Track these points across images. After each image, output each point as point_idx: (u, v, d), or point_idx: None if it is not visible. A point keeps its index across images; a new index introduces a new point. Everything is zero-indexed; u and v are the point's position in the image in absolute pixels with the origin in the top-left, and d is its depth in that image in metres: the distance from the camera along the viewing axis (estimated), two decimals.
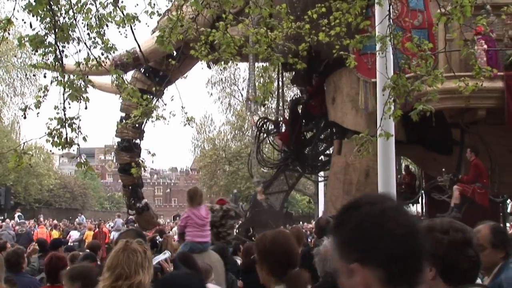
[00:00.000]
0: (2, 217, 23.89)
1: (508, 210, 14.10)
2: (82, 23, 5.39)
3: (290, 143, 14.74)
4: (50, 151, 31.28)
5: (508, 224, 14.35)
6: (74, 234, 21.44)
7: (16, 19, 5.36)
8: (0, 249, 5.91)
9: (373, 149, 11.93)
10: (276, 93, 16.05)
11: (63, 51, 5.25)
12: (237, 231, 15.62)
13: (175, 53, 11.85)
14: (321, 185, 22.88)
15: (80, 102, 5.34)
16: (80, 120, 5.39)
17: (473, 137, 11.07)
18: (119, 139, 13.41)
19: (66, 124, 5.33)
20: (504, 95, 10.13)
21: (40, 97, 5.38)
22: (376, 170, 11.99)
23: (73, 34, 5.23)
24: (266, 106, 16.47)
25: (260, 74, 17.94)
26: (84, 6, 5.31)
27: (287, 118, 15.32)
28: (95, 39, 5.54)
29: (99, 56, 5.65)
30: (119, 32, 5.74)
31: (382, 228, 1.34)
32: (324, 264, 3.21)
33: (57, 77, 5.30)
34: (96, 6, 5.34)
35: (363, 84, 11.72)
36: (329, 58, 11.77)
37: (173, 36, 5.74)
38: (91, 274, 3.48)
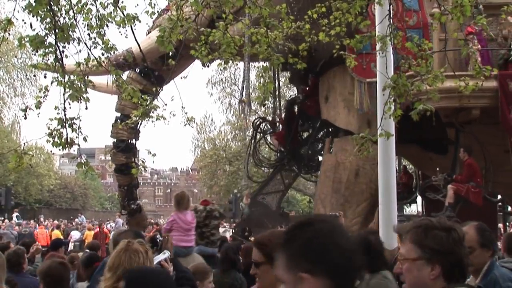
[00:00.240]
0: (2, 218, 23.88)
1: (510, 209, 14.11)
2: (83, 23, 5.40)
3: (286, 143, 14.75)
4: (51, 151, 31.30)
5: (508, 224, 14.35)
6: (75, 234, 21.46)
7: (17, 19, 5.37)
8: (3, 250, 5.91)
9: None
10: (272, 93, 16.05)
11: (63, 51, 5.25)
12: (233, 231, 15.63)
13: (170, 53, 11.88)
14: None
15: (81, 102, 5.34)
16: (80, 120, 5.40)
17: (468, 137, 11.12)
18: (114, 140, 13.34)
19: (67, 125, 5.33)
20: (497, 94, 10.16)
21: (41, 97, 5.38)
22: (367, 170, 12.15)
23: (73, 35, 5.23)
24: (266, 106, 16.41)
25: (260, 74, 17.95)
26: (84, 6, 5.31)
27: (283, 118, 15.35)
28: (95, 40, 5.54)
29: (99, 57, 5.65)
30: (120, 32, 5.74)
31: (332, 243, 1.51)
32: None
33: (58, 77, 5.30)
34: (96, 6, 5.34)
35: (358, 84, 11.76)
36: (324, 57, 11.80)
37: (173, 36, 5.74)
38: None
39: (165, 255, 3.48)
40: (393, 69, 6.67)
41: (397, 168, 13.13)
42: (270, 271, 2.64)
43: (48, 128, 5.33)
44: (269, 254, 2.64)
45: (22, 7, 5.00)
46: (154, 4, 5.84)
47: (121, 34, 5.80)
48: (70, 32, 5.16)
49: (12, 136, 36.28)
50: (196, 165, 54.02)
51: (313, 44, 8.68)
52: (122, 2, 5.46)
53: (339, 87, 12.38)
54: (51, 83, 5.38)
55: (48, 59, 5.30)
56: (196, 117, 7.97)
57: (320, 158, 15.66)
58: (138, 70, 12.93)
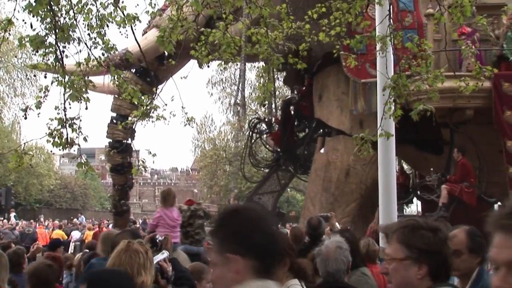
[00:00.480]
0: (2, 217, 23.89)
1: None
2: (83, 23, 5.40)
3: (282, 143, 14.75)
4: (51, 151, 31.29)
5: None
6: (76, 234, 21.45)
7: (17, 19, 5.37)
8: (5, 249, 5.92)
9: (353, 148, 12.03)
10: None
11: (63, 51, 5.26)
12: None
13: (166, 53, 11.90)
14: None
15: (81, 102, 5.34)
16: (80, 120, 5.40)
17: (463, 137, 11.15)
18: (110, 140, 13.31)
19: (67, 125, 5.33)
20: (491, 94, 10.18)
21: (41, 97, 5.38)
22: (357, 170, 12.17)
23: (73, 35, 5.23)
24: (265, 106, 16.41)
25: (260, 74, 17.95)
26: (84, 6, 5.31)
27: (279, 118, 15.34)
28: (95, 40, 5.54)
29: (99, 57, 5.65)
30: (120, 32, 5.74)
31: (258, 228, 1.69)
32: (327, 264, 3.21)
33: (58, 77, 5.30)
34: (96, 7, 5.34)
35: (353, 84, 11.77)
36: (320, 57, 11.81)
37: (173, 36, 5.75)
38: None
39: (163, 255, 3.48)
40: (393, 69, 6.67)
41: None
42: (278, 269, 2.66)
43: (48, 128, 5.34)
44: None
45: (22, 7, 5.00)
46: (155, 4, 5.85)
47: (122, 34, 5.81)
48: (70, 32, 5.16)
49: (12, 136, 36.28)
50: (196, 165, 53.99)
51: (314, 44, 8.69)
52: (123, 2, 5.46)
53: (332, 87, 12.41)
54: (51, 83, 5.39)
55: (49, 59, 5.30)
56: (196, 117, 7.98)
57: None
58: (134, 70, 12.90)
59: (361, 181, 12.16)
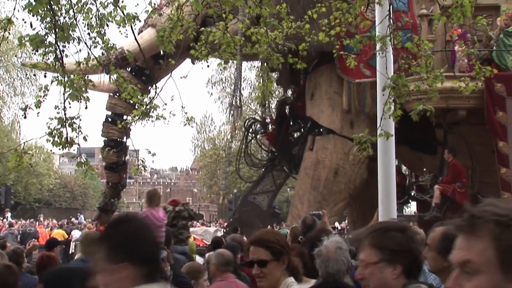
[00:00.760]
0: (2, 217, 23.88)
1: None
2: (83, 22, 5.40)
3: (276, 143, 14.76)
4: (51, 150, 31.34)
5: None
6: (76, 234, 21.44)
7: (17, 18, 5.37)
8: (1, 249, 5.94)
9: (343, 148, 12.08)
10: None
11: (63, 50, 5.26)
12: (225, 230, 15.63)
13: (161, 52, 11.93)
14: None
15: (81, 101, 5.34)
16: (80, 119, 5.40)
17: (456, 137, 11.17)
18: (105, 139, 13.31)
19: (67, 124, 5.33)
20: (483, 95, 10.19)
21: (41, 96, 5.38)
22: (346, 170, 12.20)
23: (73, 34, 5.23)
24: (265, 106, 16.41)
25: (260, 74, 17.93)
26: (84, 5, 5.31)
27: (275, 118, 15.35)
28: (95, 39, 5.54)
29: (99, 56, 5.65)
30: (120, 31, 5.74)
31: (144, 237, 1.82)
32: (327, 265, 3.21)
33: (58, 76, 5.30)
34: (96, 6, 5.34)
35: (347, 84, 11.78)
36: (315, 57, 11.81)
37: (173, 35, 5.75)
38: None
39: (162, 254, 3.48)
40: (393, 69, 6.67)
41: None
42: (278, 268, 2.67)
43: (48, 127, 5.34)
44: (278, 252, 2.68)
45: (22, 6, 5.00)
46: (154, 4, 5.84)
47: (121, 34, 5.81)
48: (70, 32, 5.16)
49: (12, 135, 36.27)
50: (196, 165, 54.07)
51: (313, 43, 8.68)
52: (122, 1, 5.46)
53: (325, 86, 12.43)
54: (51, 82, 5.39)
55: (48, 59, 5.30)
56: (196, 117, 7.98)
57: None
58: (129, 69, 12.89)
59: (349, 180, 12.19)
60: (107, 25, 5.48)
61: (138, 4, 6.11)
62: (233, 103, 14.44)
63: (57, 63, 5.25)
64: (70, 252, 17.43)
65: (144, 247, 1.79)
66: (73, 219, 28.44)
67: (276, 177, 15.38)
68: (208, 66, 7.96)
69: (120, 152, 13.02)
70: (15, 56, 31.15)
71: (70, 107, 5.34)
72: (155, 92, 6.33)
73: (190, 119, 7.04)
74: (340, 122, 12.11)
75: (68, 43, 5.23)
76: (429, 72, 6.25)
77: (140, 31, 12.32)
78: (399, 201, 13.64)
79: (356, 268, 2.36)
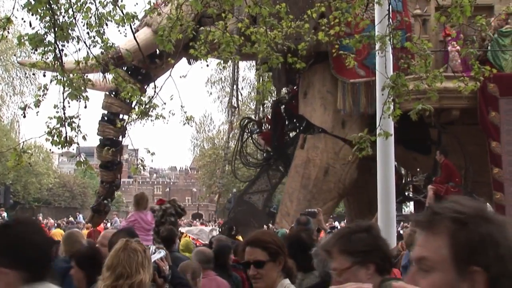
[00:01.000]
0: (1, 217, 23.86)
1: None
2: (82, 22, 5.40)
3: (272, 142, 14.76)
4: (50, 150, 31.24)
5: None
6: None
7: (16, 18, 5.37)
8: None
9: (333, 147, 12.11)
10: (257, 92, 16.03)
11: (62, 50, 5.25)
12: (220, 230, 15.63)
13: (157, 52, 11.93)
14: None
15: (80, 101, 5.34)
16: (79, 119, 5.40)
17: (450, 137, 11.18)
18: (101, 138, 13.29)
19: (66, 123, 5.33)
20: (477, 95, 10.20)
21: (40, 96, 5.38)
22: (336, 169, 12.21)
23: (72, 33, 5.23)
24: (264, 105, 16.40)
25: (260, 74, 17.91)
26: (83, 5, 5.31)
27: (270, 118, 15.35)
28: (94, 38, 5.54)
29: (98, 55, 5.65)
30: (119, 31, 5.74)
31: (28, 241, 1.83)
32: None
33: (57, 76, 5.30)
34: (95, 5, 5.34)
35: (341, 84, 11.79)
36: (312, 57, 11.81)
37: (172, 35, 5.74)
38: None
39: (160, 254, 3.48)
40: (392, 69, 6.67)
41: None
42: (275, 269, 2.65)
43: (47, 126, 5.33)
44: (275, 253, 2.66)
45: (21, 5, 5.00)
46: (153, 3, 5.84)
47: (121, 33, 5.81)
48: (69, 31, 5.16)
49: (11, 134, 36.21)
50: (195, 164, 54.02)
51: (312, 43, 8.69)
52: (122, 0, 5.46)
53: (318, 85, 12.45)
54: (50, 81, 5.38)
55: (48, 58, 5.30)
56: (195, 116, 8.00)
57: None
58: (125, 68, 12.88)
59: (339, 180, 12.21)
60: (106, 25, 5.48)
61: (137, 4, 6.11)
62: (231, 103, 14.44)
63: (56, 62, 5.24)
64: None
65: (27, 251, 1.81)
66: (71, 218, 28.42)
67: (271, 177, 15.37)
68: (207, 65, 7.98)
69: (116, 151, 13.01)
70: (14, 55, 31.13)
71: (69, 106, 5.34)
72: (155, 91, 6.32)
73: (190, 118, 7.03)
74: (332, 121, 12.13)
75: (67, 42, 5.23)
76: (428, 72, 6.25)
77: (136, 31, 12.30)
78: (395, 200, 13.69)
79: None
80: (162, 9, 8.93)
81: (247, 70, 31.58)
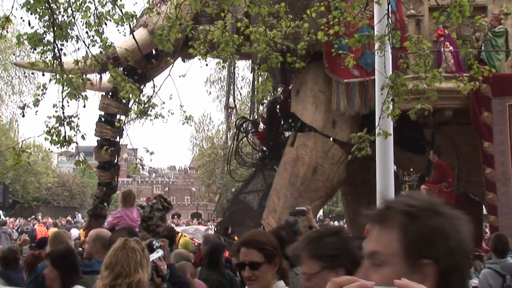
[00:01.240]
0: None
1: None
2: (81, 21, 5.39)
3: (267, 142, 14.76)
4: (49, 149, 31.17)
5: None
6: (74, 233, 21.40)
7: (15, 17, 5.36)
8: None
9: (323, 146, 12.12)
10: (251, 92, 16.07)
11: (61, 49, 5.25)
12: (215, 229, 15.62)
13: (153, 52, 11.91)
14: None
15: (79, 100, 5.34)
16: (78, 118, 5.40)
17: (444, 137, 11.20)
18: (98, 138, 13.28)
19: (65, 123, 5.32)
20: (469, 95, 10.22)
21: (39, 95, 5.38)
22: (325, 169, 12.18)
23: (71, 32, 5.23)
24: (264, 105, 16.39)
25: (259, 73, 17.91)
26: (82, 4, 5.30)
27: (265, 117, 15.35)
28: (93, 38, 5.54)
29: (97, 54, 5.65)
30: (118, 30, 5.74)
31: None
32: None
33: (56, 75, 5.30)
34: (94, 4, 5.34)
35: (336, 84, 11.79)
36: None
37: (171, 34, 5.74)
38: None
39: (158, 253, 3.48)
40: (391, 68, 6.68)
41: None
42: (270, 271, 2.62)
43: (46, 126, 5.33)
44: (271, 254, 2.63)
45: (20, 4, 5.00)
46: (152, 3, 5.84)
47: (120, 32, 5.81)
48: (68, 30, 5.16)
49: (10, 134, 36.23)
50: (194, 164, 53.98)
51: (312, 43, 8.68)
52: (121, 0, 5.46)
53: (310, 83, 12.44)
54: (49, 81, 5.38)
55: (47, 57, 5.29)
56: (195, 116, 8.00)
57: None
58: (121, 68, 12.88)
59: (327, 179, 12.21)
60: (105, 24, 5.48)
61: (136, 3, 6.11)
62: (227, 103, 14.43)
63: (55, 61, 5.24)
64: None
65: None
66: (69, 217, 28.40)
67: (266, 176, 15.33)
68: (206, 65, 7.96)
69: (114, 152, 13.00)
70: (13, 54, 31.13)
71: (68, 105, 5.34)
72: (153, 91, 6.32)
73: (189, 117, 7.04)
74: (322, 120, 12.13)
75: (66, 41, 5.23)
76: (427, 72, 6.25)
77: (132, 31, 12.31)
78: None
79: None
80: (158, 9, 8.95)
81: (246, 70, 31.59)
